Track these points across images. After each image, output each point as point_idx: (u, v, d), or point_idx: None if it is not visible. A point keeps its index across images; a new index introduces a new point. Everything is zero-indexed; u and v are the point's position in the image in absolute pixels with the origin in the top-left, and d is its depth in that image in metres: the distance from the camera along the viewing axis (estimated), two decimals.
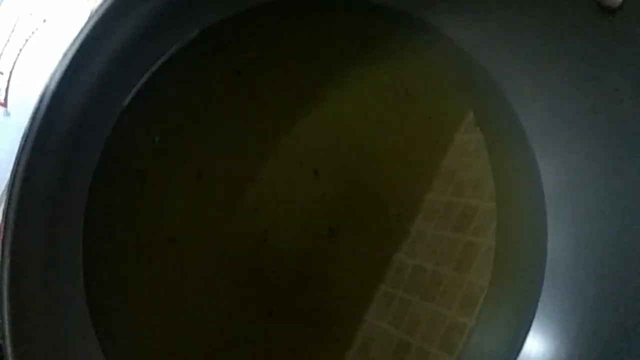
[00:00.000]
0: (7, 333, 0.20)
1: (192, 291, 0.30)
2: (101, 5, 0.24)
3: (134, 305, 0.29)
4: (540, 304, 0.33)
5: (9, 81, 0.31)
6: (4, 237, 0.21)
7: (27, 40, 0.31)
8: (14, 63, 0.31)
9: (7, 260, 0.21)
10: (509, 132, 0.34)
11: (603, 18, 0.28)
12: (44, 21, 0.31)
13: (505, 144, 0.34)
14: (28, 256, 0.22)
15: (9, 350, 0.20)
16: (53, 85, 0.23)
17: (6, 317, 0.20)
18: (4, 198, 0.21)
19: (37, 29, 0.31)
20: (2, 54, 0.31)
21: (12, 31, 0.31)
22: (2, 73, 0.31)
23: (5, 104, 0.31)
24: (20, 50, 0.31)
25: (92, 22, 0.24)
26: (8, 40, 0.31)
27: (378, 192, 0.33)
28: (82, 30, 0.24)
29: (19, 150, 0.22)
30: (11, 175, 0.21)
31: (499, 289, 0.33)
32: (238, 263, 0.30)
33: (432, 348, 0.32)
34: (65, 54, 0.24)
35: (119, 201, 0.29)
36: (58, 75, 0.24)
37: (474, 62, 0.34)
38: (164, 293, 0.29)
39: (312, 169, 0.32)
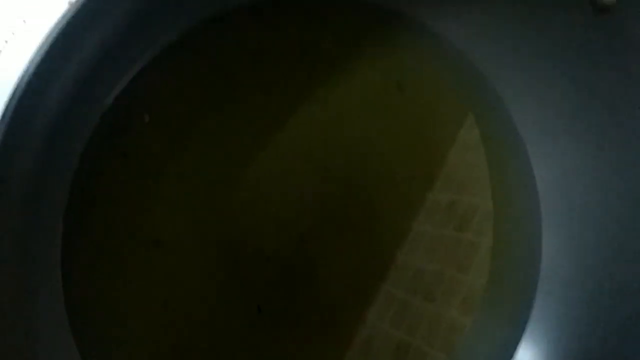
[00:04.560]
0: None
1: (176, 292, 0.29)
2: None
3: (114, 306, 0.28)
4: (535, 304, 0.32)
5: None
6: None
7: (6, 42, 0.31)
8: None
9: None
10: (502, 131, 0.34)
11: (597, 16, 0.28)
12: (24, 22, 0.31)
13: (499, 143, 0.34)
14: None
15: None
16: (27, 79, 0.23)
17: None
18: None
19: (16, 30, 0.31)
20: None
21: None
22: None
23: None
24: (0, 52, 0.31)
25: (72, 13, 0.23)
26: None
27: (372, 193, 0.32)
28: (59, 23, 0.24)
29: None
30: None
31: (496, 289, 0.32)
32: (225, 266, 0.30)
33: (432, 349, 0.32)
34: (41, 47, 0.23)
35: (102, 198, 0.28)
36: (32, 68, 0.23)
37: (468, 60, 0.34)
38: (148, 294, 0.29)
39: (303, 170, 0.31)
